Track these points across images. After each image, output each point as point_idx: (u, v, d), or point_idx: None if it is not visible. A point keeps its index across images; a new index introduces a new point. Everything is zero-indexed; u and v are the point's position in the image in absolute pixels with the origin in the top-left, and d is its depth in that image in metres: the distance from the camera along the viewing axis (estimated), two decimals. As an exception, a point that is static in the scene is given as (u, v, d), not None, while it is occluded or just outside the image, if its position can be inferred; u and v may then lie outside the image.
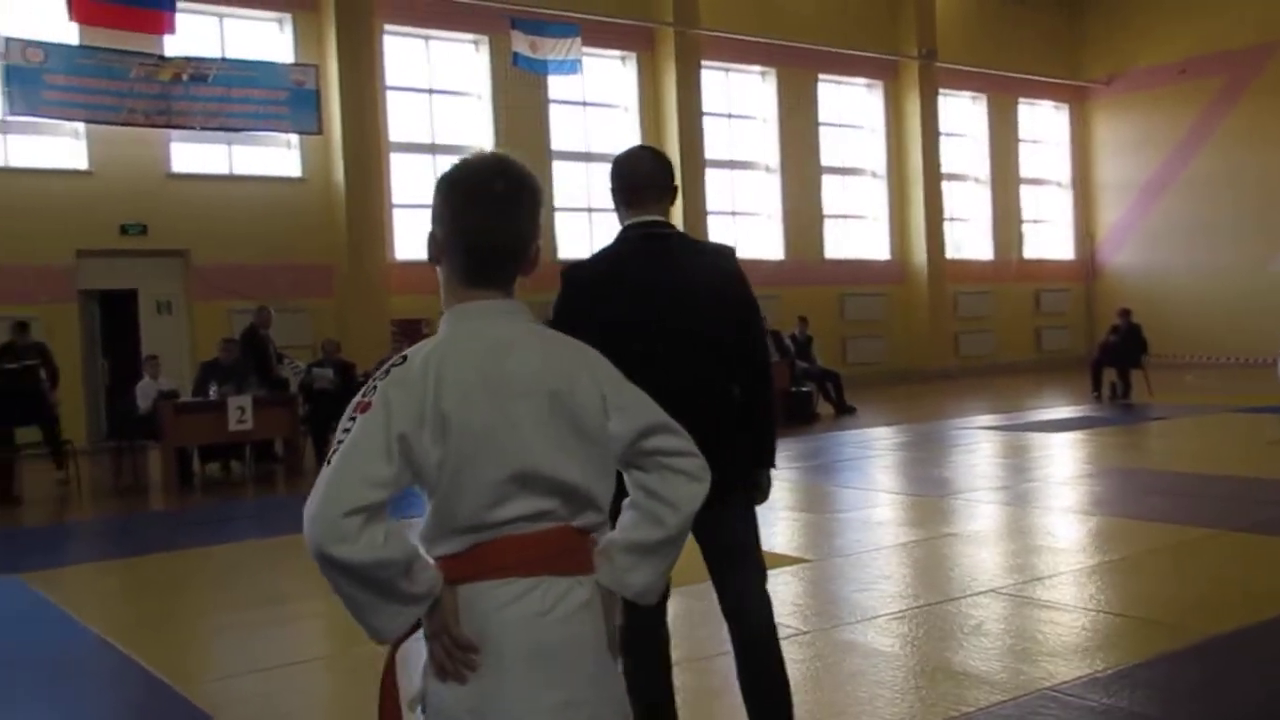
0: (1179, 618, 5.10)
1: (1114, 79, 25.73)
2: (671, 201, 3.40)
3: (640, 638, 3.17)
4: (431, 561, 1.81)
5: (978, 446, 12.14)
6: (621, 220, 3.39)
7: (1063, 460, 10.99)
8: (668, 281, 3.24)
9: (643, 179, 3.34)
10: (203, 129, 15.59)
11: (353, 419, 1.75)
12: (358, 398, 1.79)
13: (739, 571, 3.24)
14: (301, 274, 16.54)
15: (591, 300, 3.29)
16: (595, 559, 1.90)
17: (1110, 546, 6.75)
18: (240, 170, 16.57)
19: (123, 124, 14.79)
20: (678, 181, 3.48)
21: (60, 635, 5.67)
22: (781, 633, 3.33)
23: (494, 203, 1.86)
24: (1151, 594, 5.65)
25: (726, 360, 3.23)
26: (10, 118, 14.44)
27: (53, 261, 14.91)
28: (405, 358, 1.81)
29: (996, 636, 4.98)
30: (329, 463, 1.73)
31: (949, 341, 23.67)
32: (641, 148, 3.60)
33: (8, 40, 14.03)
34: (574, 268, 3.46)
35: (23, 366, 11.05)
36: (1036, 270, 25.79)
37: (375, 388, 1.77)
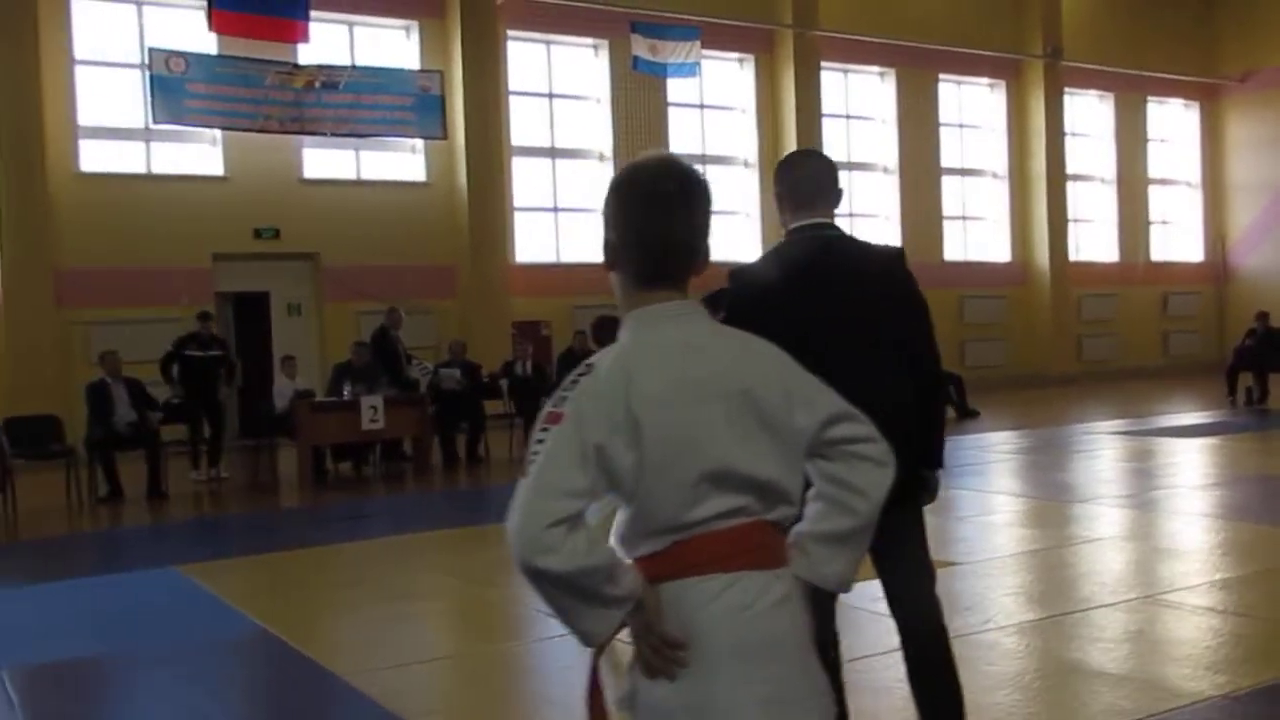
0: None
1: (1249, 76, 24.86)
2: (837, 204, 3.40)
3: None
4: (630, 563, 1.83)
5: (1107, 452, 11.85)
6: (786, 224, 3.39)
7: (1198, 465, 10.68)
8: (837, 281, 3.25)
9: (809, 182, 3.36)
10: (333, 135, 16.00)
11: (545, 430, 1.78)
12: (548, 408, 1.81)
13: (910, 575, 3.23)
14: (426, 276, 16.88)
15: (760, 301, 3.30)
16: (788, 552, 1.91)
17: (1256, 555, 6.54)
18: (368, 175, 16.98)
19: (259, 131, 15.27)
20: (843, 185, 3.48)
21: (227, 624, 5.89)
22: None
23: (667, 203, 1.87)
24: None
25: (897, 360, 3.22)
26: (155, 126, 15.02)
27: (191, 264, 15.46)
28: (591, 366, 1.83)
29: (1152, 643, 4.87)
30: (525, 474, 1.76)
31: (1071, 345, 23.13)
32: (807, 151, 3.65)
33: (152, 51, 14.60)
34: (742, 270, 3.49)
35: (209, 356, 11.62)
36: (1164, 273, 25.04)
37: (565, 398, 1.79)
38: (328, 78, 15.71)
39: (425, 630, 5.82)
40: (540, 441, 1.77)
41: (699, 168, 1.96)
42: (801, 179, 3.38)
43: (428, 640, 5.62)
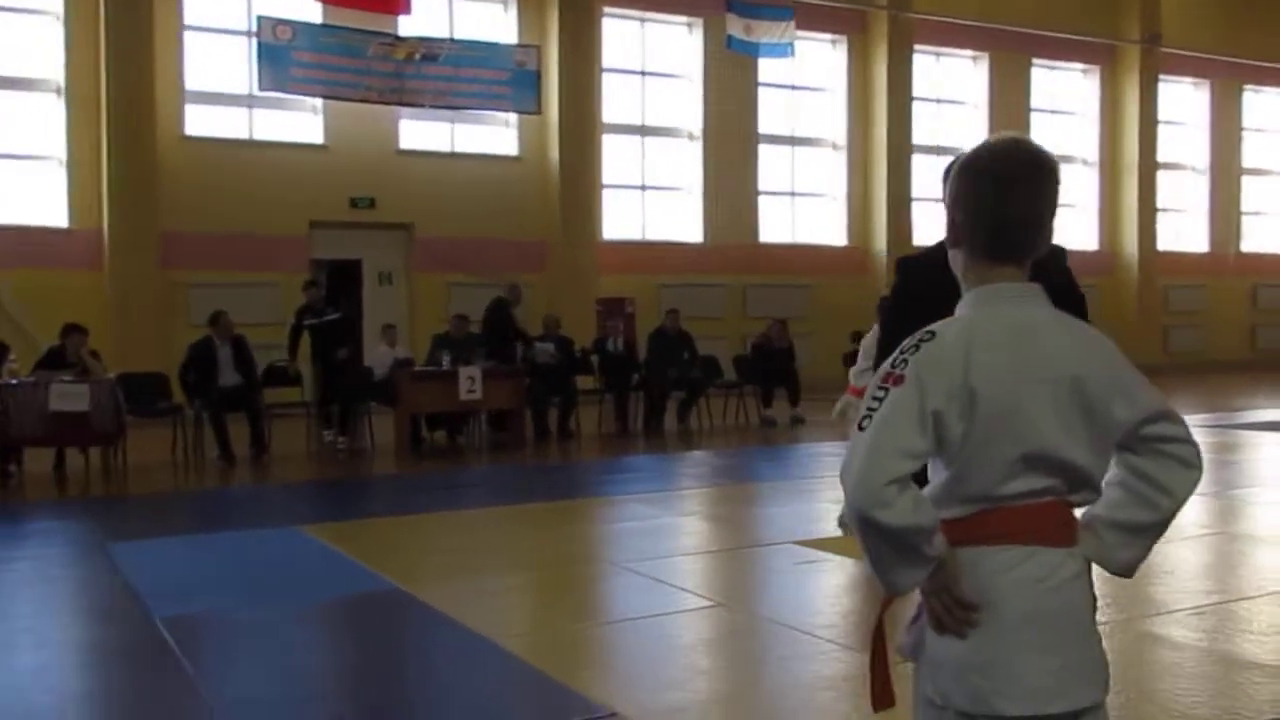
0: None
1: (1351, 65, 24.24)
2: None
3: None
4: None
5: (1209, 446, 11.70)
6: None
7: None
8: None
9: None
10: (431, 107, 16.18)
11: (884, 388, 1.87)
12: (886, 367, 1.89)
13: None
14: (516, 250, 17.05)
15: (925, 285, 3.53)
16: (1080, 532, 1.96)
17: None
18: (461, 148, 17.16)
19: (360, 100, 15.50)
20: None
21: (363, 580, 6.06)
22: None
23: (1017, 183, 1.93)
24: None
25: None
26: (259, 93, 15.29)
27: (289, 232, 15.75)
28: (934, 334, 1.90)
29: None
30: (861, 428, 1.86)
31: (1158, 336, 22.80)
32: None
33: (261, 18, 14.86)
34: (909, 257, 3.89)
35: (326, 321, 11.85)
36: (1255, 264, 24.58)
37: (906, 361, 1.87)
38: (427, 50, 15.88)
39: (544, 602, 5.94)
40: (877, 399, 1.86)
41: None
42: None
43: (547, 612, 5.74)
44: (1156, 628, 5.01)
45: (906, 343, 1.90)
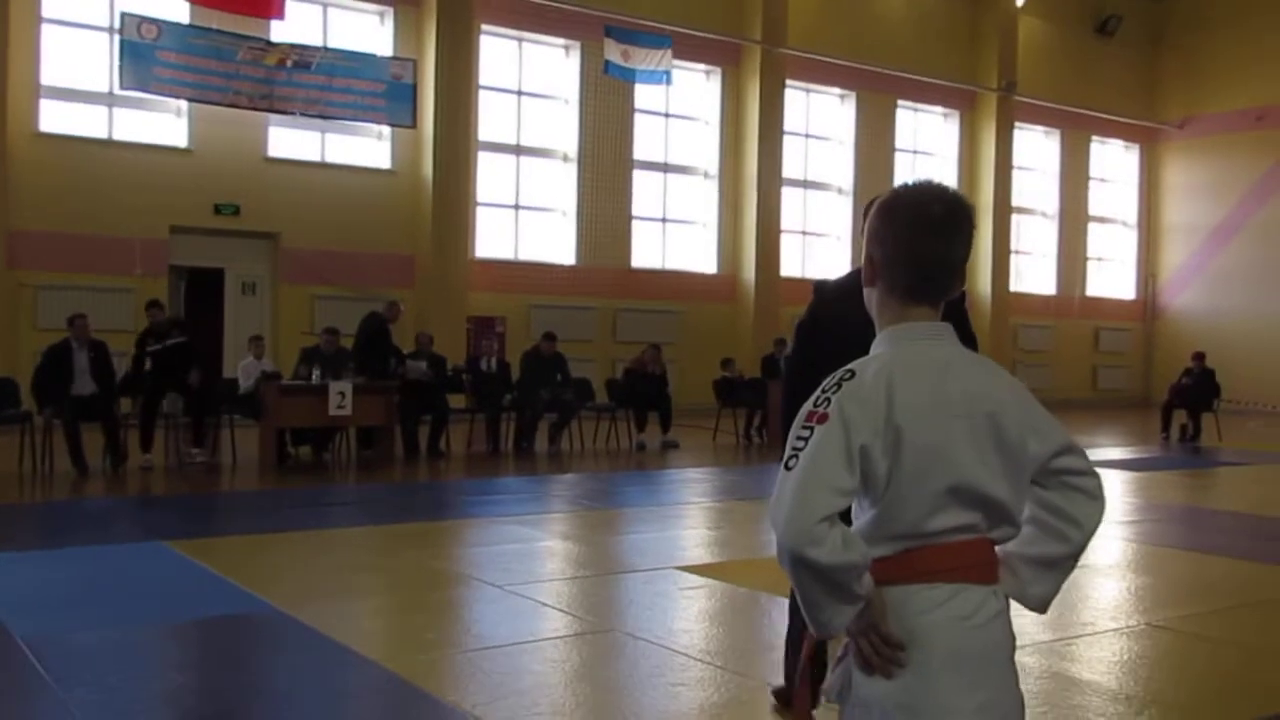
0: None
1: (1187, 122, 25.74)
2: None
3: None
4: None
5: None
6: None
7: (1153, 498, 11.02)
8: None
9: None
10: (303, 115, 15.81)
11: (808, 427, 1.87)
12: (809, 406, 1.90)
13: None
14: (385, 264, 16.76)
15: (833, 310, 3.81)
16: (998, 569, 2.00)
17: (1237, 588, 6.81)
18: (332, 158, 16.80)
19: (228, 105, 15.04)
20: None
21: (233, 599, 5.82)
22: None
23: (939, 227, 1.97)
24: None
25: None
26: (120, 92, 14.70)
27: (148, 235, 15.16)
28: (854, 372, 1.92)
29: (1175, 670, 5.07)
30: (788, 468, 1.86)
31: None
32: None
33: (124, 15, 14.30)
34: (822, 283, 4.14)
35: (166, 347, 11.23)
36: (1097, 308, 25.79)
37: (829, 400, 1.88)
38: (300, 57, 15.53)
39: (427, 623, 5.82)
40: (802, 439, 1.87)
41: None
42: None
43: (431, 634, 5.63)
44: (1041, 658, 5.16)
45: (828, 381, 1.92)
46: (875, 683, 1.91)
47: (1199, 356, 17.34)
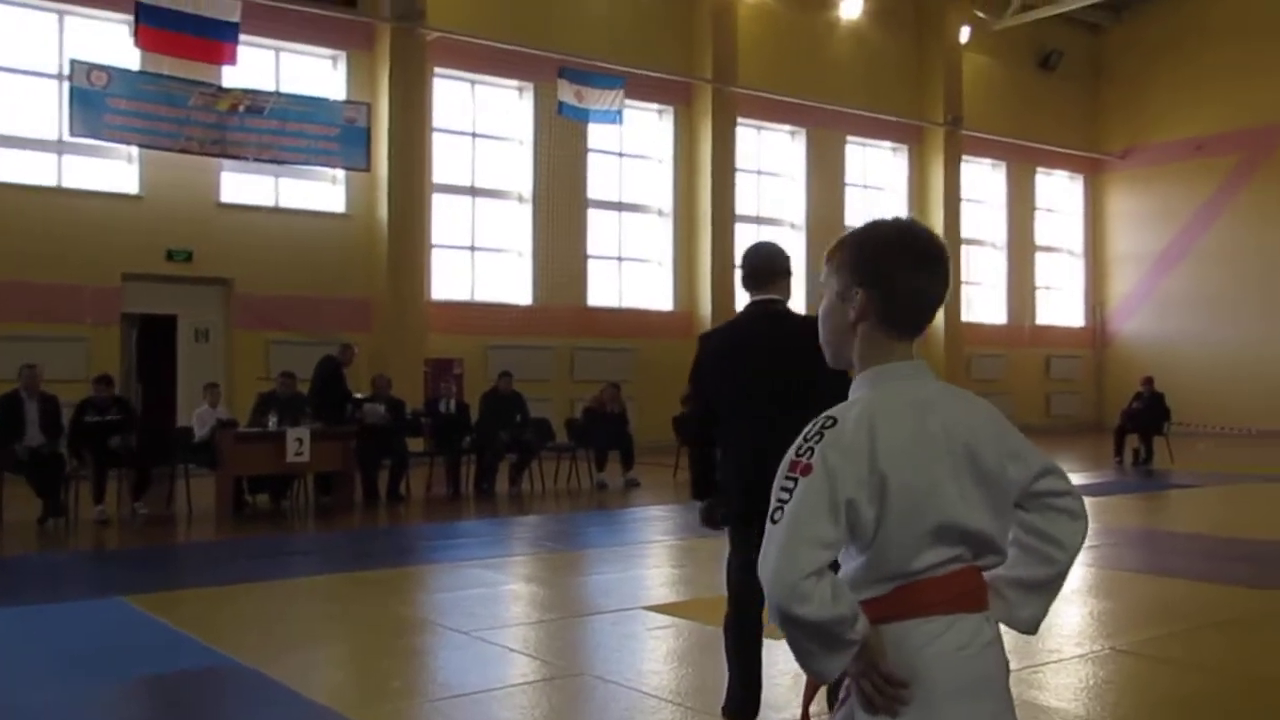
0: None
1: (1129, 153, 26.27)
2: (787, 282, 4.24)
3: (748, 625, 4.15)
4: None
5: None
6: (751, 297, 4.26)
7: (1111, 521, 11.14)
8: (779, 346, 4.02)
9: (764, 264, 4.20)
10: (255, 160, 15.76)
11: (792, 478, 1.86)
12: (791, 456, 1.89)
13: None
14: (341, 307, 16.68)
15: (716, 359, 4.23)
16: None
17: (1196, 609, 6.90)
18: (286, 203, 16.74)
19: (180, 151, 14.97)
20: (792, 268, 4.27)
21: (192, 653, 5.74)
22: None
23: (935, 265, 1.99)
24: (1267, 656, 5.81)
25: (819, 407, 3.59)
26: (69, 139, 14.59)
27: (100, 283, 15.00)
28: (835, 419, 1.90)
29: (1138, 693, 5.13)
30: (774, 521, 1.85)
31: (962, 403, 23.88)
32: (762, 242, 4.41)
33: (74, 62, 14.22)
34: (706, 334, 4.57)
35: (107, 422, 11.01)
36: (1048, 336, 26.16)
37: (811, 450, 1.87)
38: (253, 102, 15.50)
39: (394, 669, 5.77)
40: (787, 490, 1.86)
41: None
42: (758, 262, 4.21)
43: (412, 677, 5.58)
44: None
45: (809, 428, 1.91)
46: None
47: (1148, 381, 17.63)
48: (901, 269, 1.97)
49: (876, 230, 2.02)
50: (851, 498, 1.84)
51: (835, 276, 2.03)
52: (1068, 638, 6.27)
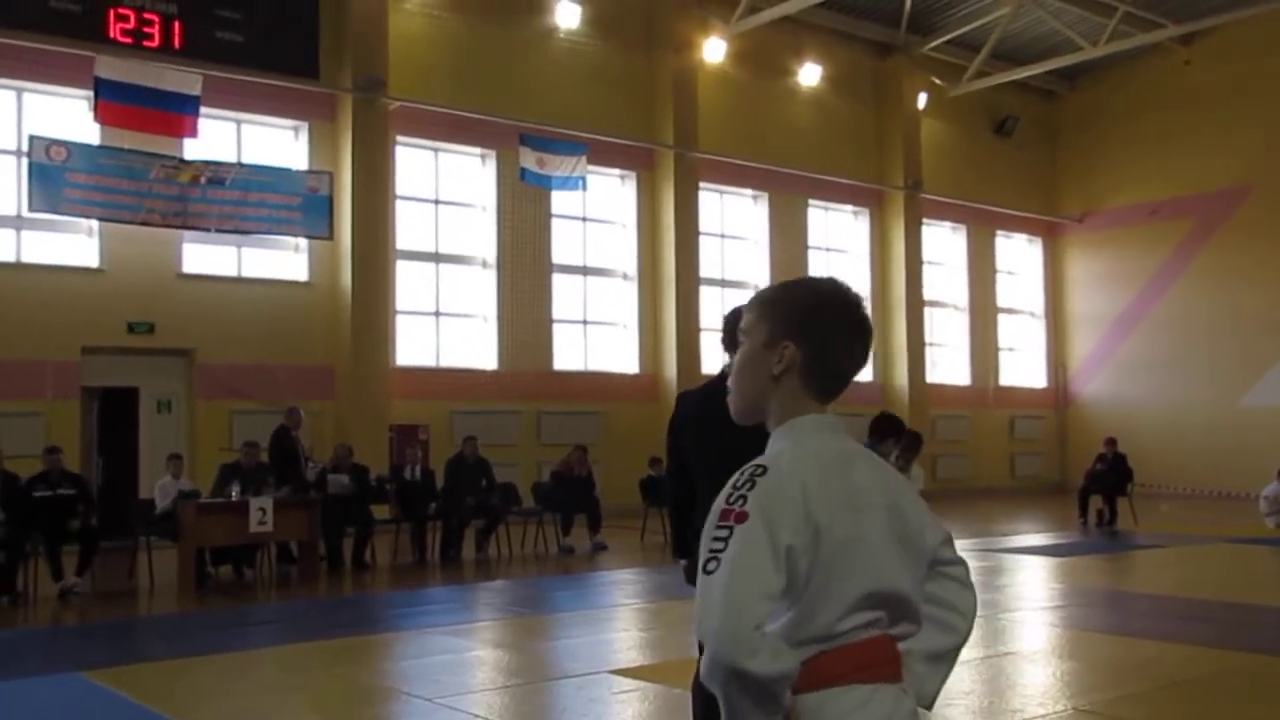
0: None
1: (1086, 216, 26.71)
2: None
3: None
4: None
5: (978, 569, 12.33)
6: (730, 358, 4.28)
7: (1073, 582, 11.18)
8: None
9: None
10: (218, 231, 15.73)
11: (726, 527, 1.77)
12: (722, 505, 1.80)
13: None
14: (304, 376, 16.57)
15: (693, 418, 4.30)
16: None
17: (1155, 669, 6.92)
18: (248, 272, 16.70)
19: (141, 224, 14.92)
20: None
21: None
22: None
23: (864, 335, 1.97)
24: (1217, 716, 5.83)
25: None
26: (28, 214, 14.53)
27: (60, 357, 14.86)
28: (765, 467, 1.83)
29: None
30: (708, 572, 1.76)
31: (927, 464, 23.92)
32: (740, 306, 4.40)
33: (33, 138, 14.20)
34: (684, 393, 4.70)
35: (60, 496, 10.85)
36: (1011, 397, 26.34)
37: (744, 498, 1.79)
38: (214, 174, 15.51)
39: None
40: (720, 540, 1.77)
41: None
42: (736, 324, 4.16)
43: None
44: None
45: (738, 477, 1.83)
46: None
47: (1110, 442, 17.78)
48: (837, 332, 1.94)
49: (813, 287, 2.00)
50: (791, 544, 1.76)
51: (762, 324, 1.97)
52: (1030, 698, 6.26)
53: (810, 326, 1.94)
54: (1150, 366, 25.04)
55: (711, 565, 1.76)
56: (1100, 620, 8.93)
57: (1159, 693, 6.35)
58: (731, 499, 1.80)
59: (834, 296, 1.98)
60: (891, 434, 7.34)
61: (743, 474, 1.83)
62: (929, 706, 1.98)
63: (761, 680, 1.72)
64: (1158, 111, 24.83)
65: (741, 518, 1.77)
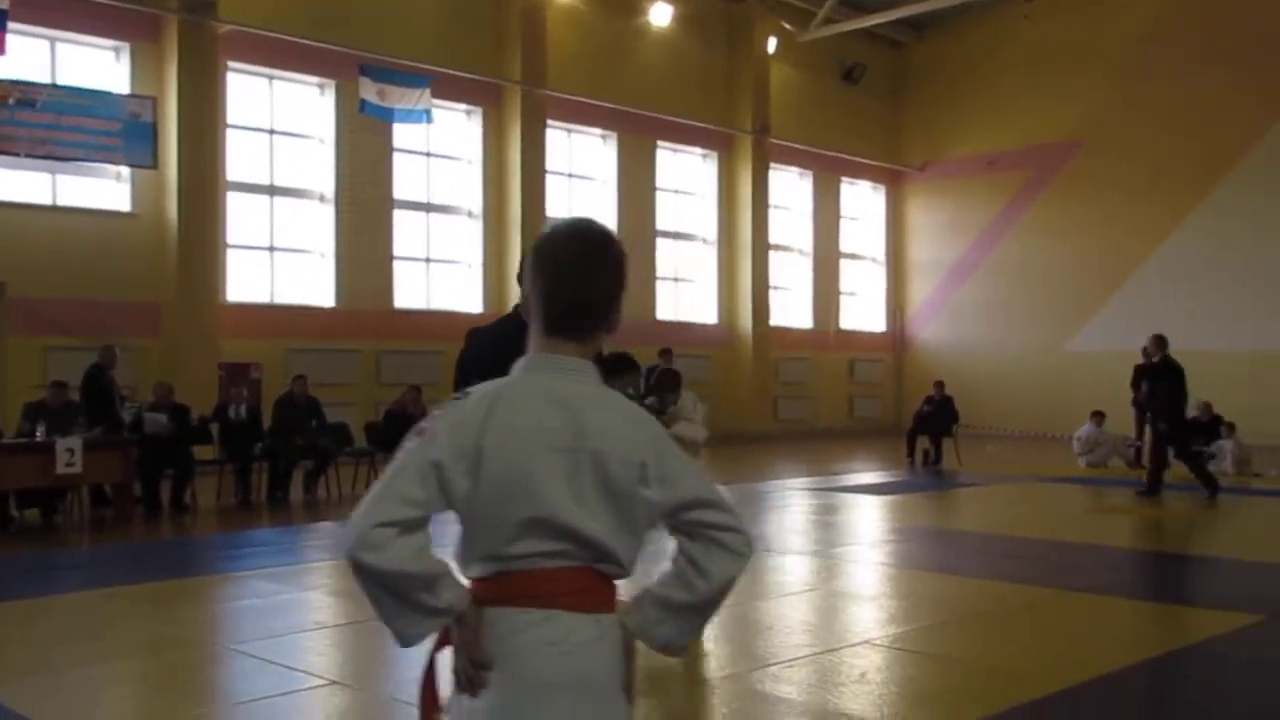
0: (1036, 669, 5.49)
1: (927, 166, 27.33)
2: None
3: None
4: (465, 581, 1.99)
5: (811, 507, 12.62)
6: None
7: (897, 520, 11.53)
8: None
9: None
10: (28, 156, 14.84)
11: (411, 441, 1.98)
12: (422, 423, 2.00)
13: None
14: (127, 312, 15.84)
15: (479, 352, 4.37)
16: (627, 603, 2.05)
17: (959, 603, 7.16)
18: (65, 202, 15.82)
19: (-58, 146, 13.98)
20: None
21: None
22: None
23: (570, 267, 2.04)
24: (1007, 648, 6.05)
25: None
26: None
27: None
28: (468, 394, 2.01)
29: (881, 685, 5.26)
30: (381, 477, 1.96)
31: (769, 405, 24.43)
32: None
33: None
34: (474, 329, 4.77)
35: None
36: (851, 340, 26.96)
37: (437, 416, 1.99)
38: (24, 95, 14.61)
39: (137, 693, 5.47)
40: (405, 449, 1.97)
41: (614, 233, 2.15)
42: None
43: (141, 704, 5.29)
44: (756, 683, 5.26)
45: (449, 399, 2.04)
46: (464, 700, 1.97)
47: (939, 385, 18.36)
48: (548, 274, 2.06)
49: (549, 230, 2.13)
50: (440, 461, 1.92)
51: (525, 271, 2.14)
52: (832, 633, 6.41)
53: (536, 266, 2.08)
54: (983, 312, 25.92)
55: (386, 471, 1.97)
56: (921, 557, 9.20)
57: (950, 625, 6.56)
58: (430, 418, 2.01)
59: (555, 234, 2.10)
60: (619, 373, 7.32)
61: (454, 396, 2.05)
62: (668, 651, 2.09)
63: (376, 574, 1.88)
64: (998, 65, 25.48)
65: (422, 433, 1.98)
